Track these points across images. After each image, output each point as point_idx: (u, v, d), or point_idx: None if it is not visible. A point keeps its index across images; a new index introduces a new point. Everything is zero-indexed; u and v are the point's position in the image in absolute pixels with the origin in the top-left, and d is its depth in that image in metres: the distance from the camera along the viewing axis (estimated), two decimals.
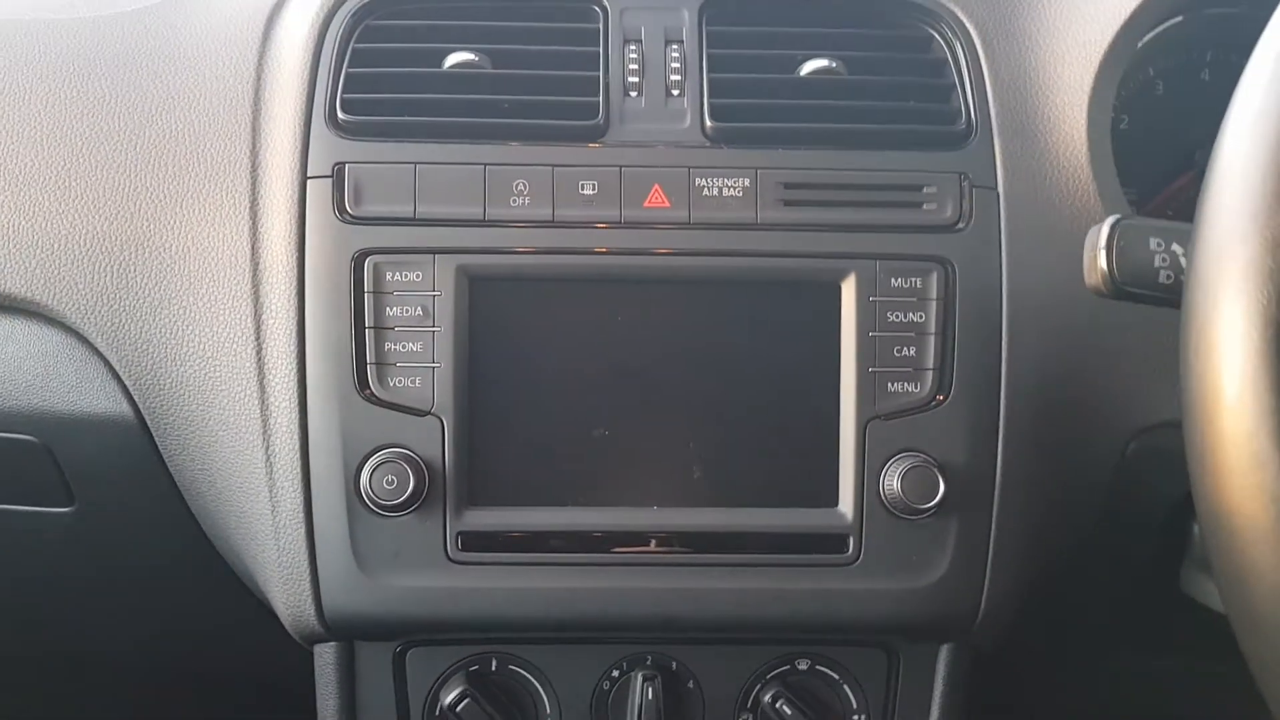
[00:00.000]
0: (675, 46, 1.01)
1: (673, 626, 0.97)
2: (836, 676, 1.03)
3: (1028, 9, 1.06)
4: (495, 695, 1.00)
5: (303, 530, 0.95)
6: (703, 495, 0.96)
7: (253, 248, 0.97)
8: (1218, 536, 0.65)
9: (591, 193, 0.96)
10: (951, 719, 1.03)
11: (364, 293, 0.94)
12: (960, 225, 0.97)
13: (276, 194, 0.97)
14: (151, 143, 1.01)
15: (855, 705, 1.03)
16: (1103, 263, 0.78)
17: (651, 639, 1.02)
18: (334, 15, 1.01)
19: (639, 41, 1.01)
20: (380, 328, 0.94)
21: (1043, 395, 0.98)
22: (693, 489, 0.96)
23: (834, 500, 0.96)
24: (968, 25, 1.03)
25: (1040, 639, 1.18)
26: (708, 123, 0.98)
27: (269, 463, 0.96)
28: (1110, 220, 0.78)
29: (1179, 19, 1.11)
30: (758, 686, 1.03)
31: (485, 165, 0.96)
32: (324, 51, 1.00)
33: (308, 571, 0.95)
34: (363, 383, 0.94)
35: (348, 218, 0.95)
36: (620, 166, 0.96)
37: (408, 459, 0.92)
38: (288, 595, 0.97)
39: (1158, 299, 0.79)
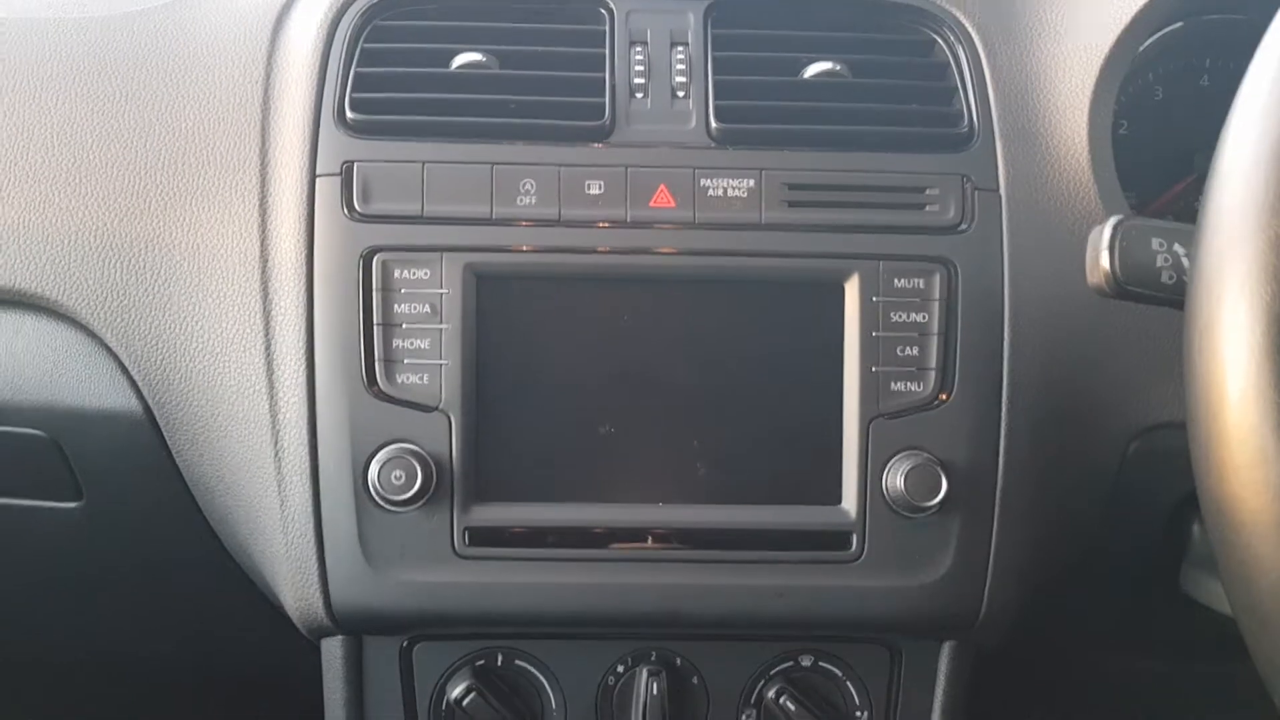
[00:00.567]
0: (681, 48, 1.02)
1: (678, 622, 0.98)
2: (839, 673, 1.04)
3: (1029, 13, 1.07)
4: (501, 690, 1.01)
5: (311, 525, 0.96)
6: (707, 492, 0.97)
7: (262, 245, 0.98)
8: (1223, 533, 0.65)
9: (598, 192, 0.97)
10: (953, 716, 1.04)
11: (372, 290, 0.95)
12: (963, 227, 0.98)
13: (286, 191, 0.98)
14: (161, 140, 1.02)
15: (858, 702, 1.04)
16: (1105, 262, 0.78)
17: (657, 634, 1.02)
18: (343, 15, 1.02)
19: (645, 43, 1.02)
20: (388, 324, 0.95)
21: (1045, 395, 0.99)
22: (697, 486, 0.97)
23: (837, 498, 0.97)
24: (970, 29, 1.04)
25: (1042, 638, 1.19)
26: (713, 124, 0.99)
27: (277, 458, 0.96)
28: (1113, 220, 0.79)
29: (1179, 25, 1.12)
30: (761, 682, 1.03)
31: (492, 165, 0.96)
32: (333, 51, 1.01)
33: (316, 566, 0.96)
34: (371, 379, 0.95)
35: (356, 216, 0.96)
36: (626, 166, 0.97)
37: (415, 454, 0.93)
38: (296, 589, 0.97)
39: (1159, 299, 0.79)
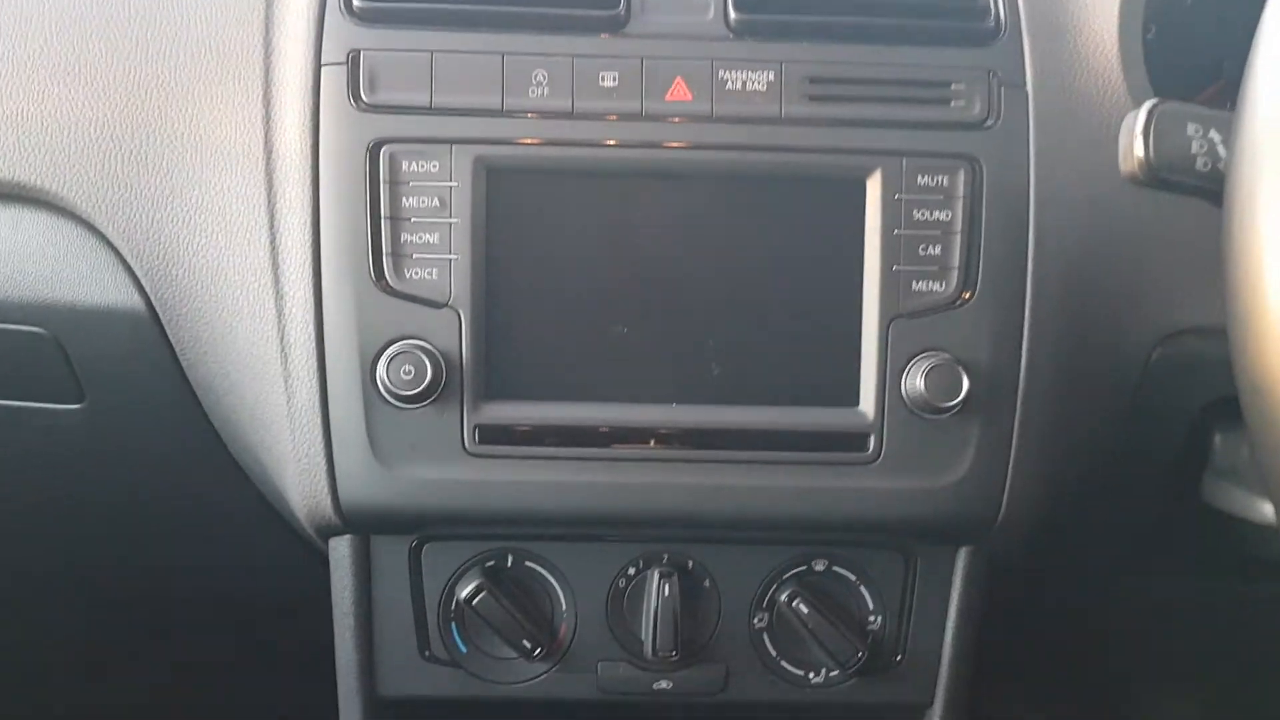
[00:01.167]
0: None
1: (690, 523, 0.97)
2: (853, 578, 1.03)
3: None
4: (512, 590, 1.00)
5: (319, 421, 0.94)
6: (722, 393, 0.95)
7: (266, 136, 0.95)
8: (1263, 418, 0.64)
9: (612, 84, 0.94)
10: (968, 623, 1.03)
11: (380, 182, 0.93)
12: (988, 123, 0.95)
13: (290, 81, 0.95)
14: (164, 29, 0.99)
15: (871, 607, 1.03)
16: (1139, 148, 0.76)
17: (668, 537, 1.01)
18: None
19: None
20: (396, 218, 0.93)
21: (1069, 296, 0.97)
22: (712, 386, 0.95)
23: (855, 399, 0.95)
24: None
25: (1058, 551, 1.17)
26: (731, 14, 0.96)
27: (284, 354, 0.95)
28: (1148, 104, 0.76)
29: None
30: (774, 586, 1.02)
31: (503, 54, 0.94)
32: None
33: (324, 462, 0.94)
34: (379, 273, 0.93)
35: (363, 106, 0.93)
36: (641, 58, 0.94)
37: (425, 351, 0.91)
38: (303, 487, 0.96)
39: (1193, 187, 0.77)
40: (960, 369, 0.92)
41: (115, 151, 0.98)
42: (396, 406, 0.92)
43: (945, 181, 0.94)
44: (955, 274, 0.94)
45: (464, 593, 1.00)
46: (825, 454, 0.95)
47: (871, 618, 1.03)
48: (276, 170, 0.95)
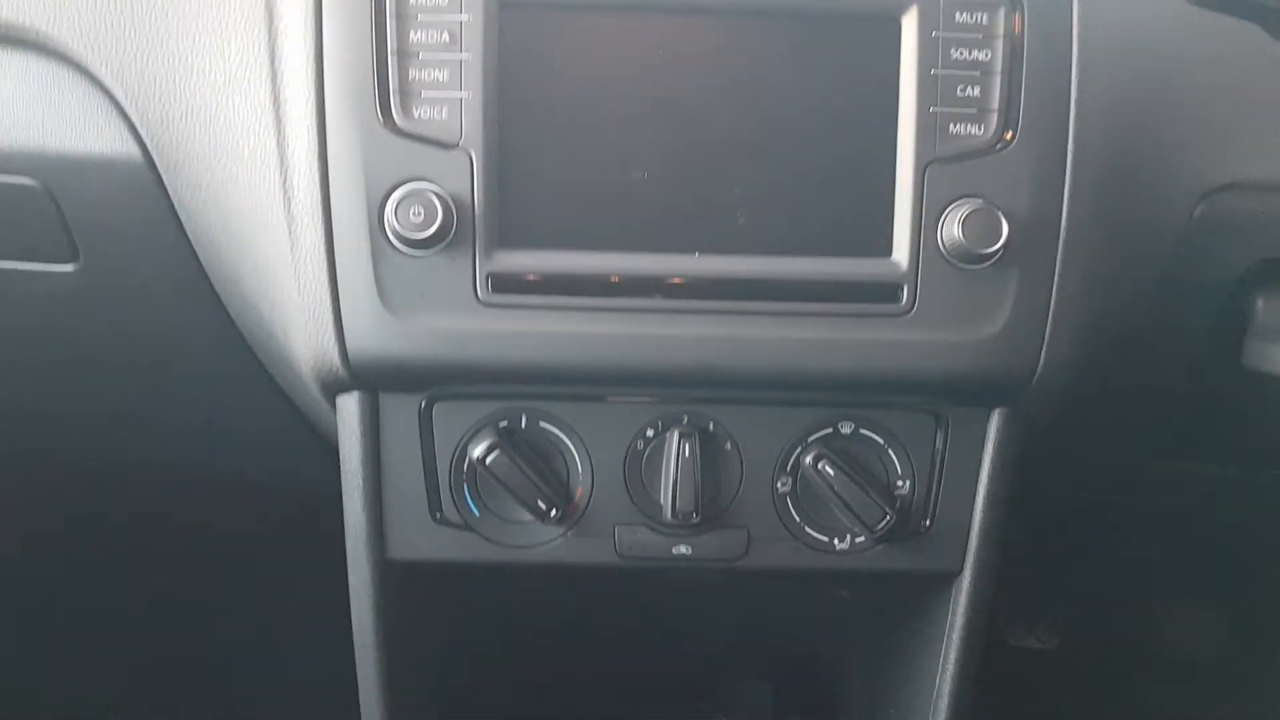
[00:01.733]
0: None
1: (712, 378, 0.92)
2: (881, 441, 0.98)
3: None
4: (526, 450, 0.96)
5: (324, 267, 0.89)
6: (748, 242, 0.91)
7: None
8: None
9: None
10: (1000, 488, 0.99)
11: (386, 15, 0.87)
12: None
13: None
14: None
15: (900, 471, 0.99)
16: None
17: (689, 397, 0.97)
18: None
19: None
20: (404, 53, 0.88)
21: (1112, 142, 0.92)
22: (737, 235, 0.90)
23: (888, 249, 0.90)
24: None
25: (1091, 423, 1.13)
26: None
27: (287, 198, 0.90)
28: None
29: None
30: (799, 449, 0.98)
31: None
32: None
33: (330, 312, 0.90)
34: (385, 112, 0.88)
35: None
36: None
37: (435, 194, 0.86)
38: (309, 339, 0.91)
39: (1252, 9, 0.73)
40: (999, 214, 0.88)
41: None
42: (405, 253, 0.88)
43: (985, 19, 0.90)
44: (995, 116, 0.90)
45: (476, 452, 0.95)
46: (856, 305, 0.91)
47: (900, 482, 0.99)
48: (278, 4, 0.90)
